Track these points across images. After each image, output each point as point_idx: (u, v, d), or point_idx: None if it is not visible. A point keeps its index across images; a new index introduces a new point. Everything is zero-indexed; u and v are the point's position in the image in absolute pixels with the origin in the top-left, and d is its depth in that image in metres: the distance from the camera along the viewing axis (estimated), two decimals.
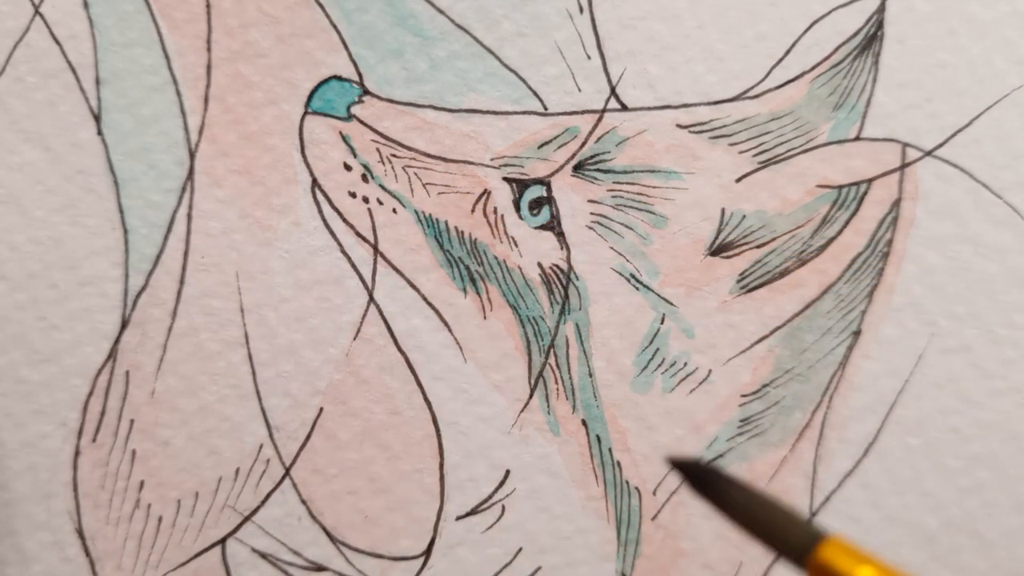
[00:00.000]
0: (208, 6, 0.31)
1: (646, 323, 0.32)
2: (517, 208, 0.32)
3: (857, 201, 0.33)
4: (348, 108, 0.31)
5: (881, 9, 0.32)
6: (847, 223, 0.33)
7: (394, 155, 0.31)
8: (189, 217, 0.31)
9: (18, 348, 0.30)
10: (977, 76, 0.33)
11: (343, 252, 0.31)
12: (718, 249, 0.32)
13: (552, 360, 0.32)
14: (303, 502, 0.31)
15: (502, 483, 0.32)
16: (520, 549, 0.32)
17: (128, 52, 0.30)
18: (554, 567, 0.32)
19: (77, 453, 0.30)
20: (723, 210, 0.32)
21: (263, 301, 0.31)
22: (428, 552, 0.32)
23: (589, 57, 0.32)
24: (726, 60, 0.32)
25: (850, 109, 0.32)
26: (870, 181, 0.33)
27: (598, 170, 0.32)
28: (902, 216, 0.33)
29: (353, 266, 0.31)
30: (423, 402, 0.32)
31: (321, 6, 0.31)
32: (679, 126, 0.32)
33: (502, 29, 0.32)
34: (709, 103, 0.32)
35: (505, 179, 0.32)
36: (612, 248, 0.32)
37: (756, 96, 0.32)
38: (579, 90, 0.32)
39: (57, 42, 0.30)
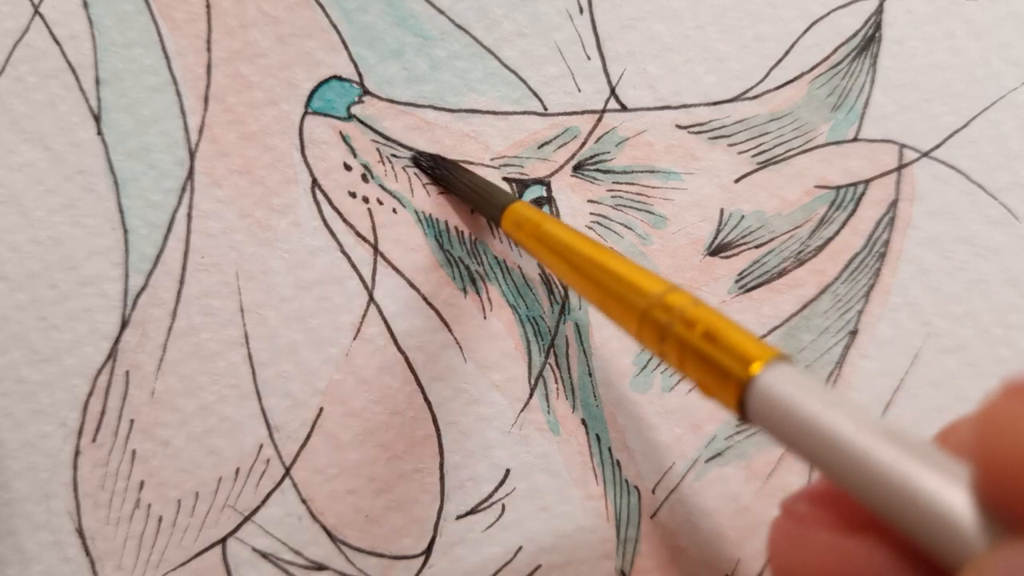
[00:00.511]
0: (208, 6, 0.31)
1: None
2: None
3: (855, 202, 0.33)
4: (348, 108, 0.31)
5: (879, 11, 0.33)
6: (845, 223, 0.33)
7: (394, 155, 0.31)
8: (189, 217, 0.31)
9: (18, 348, 0.30)
10: (974, 78, 0.33)
11: (343, 252, 0.31)
12: (717, 249, 0.33)
13: (552, 360, 0.32)
14: (303, 502, 0.31)
15: (502, 482, 0.32)
16: (520, 548, 0.32)
17: (128, 52, 0.30)
18: (554, 566, 0.32)
19: (77, 453, 0.30)
20: (722, 210, 0.32)
21: (263, 301, 0.31)
22: (428, 551, 0.32)
23: (589, 57, 0.32)
24: (726, 61, 0.32)
25: (848, 110, 0.33)
26: (868, 182, 0.33)
27: (598, 170, 0.32)
28: (899, 216, 0.33)
29: (353, 266, 0.31)
30: (423, 402, 0.32)
31: (321, 6, 0.31)
32: (678, 126, 0.32)
33: (502, 29, 0.32)
34: (708, 103, 0.32)
35: (505, 179, 0.32)
36: (612, 248, 0.32)
37: (755, 97, 0.32)
38: (579, 90, 0.32)
39: (57, 42, 0.30)
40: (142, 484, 0.31)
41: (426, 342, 0.32)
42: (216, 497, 0.31)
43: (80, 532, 0.31)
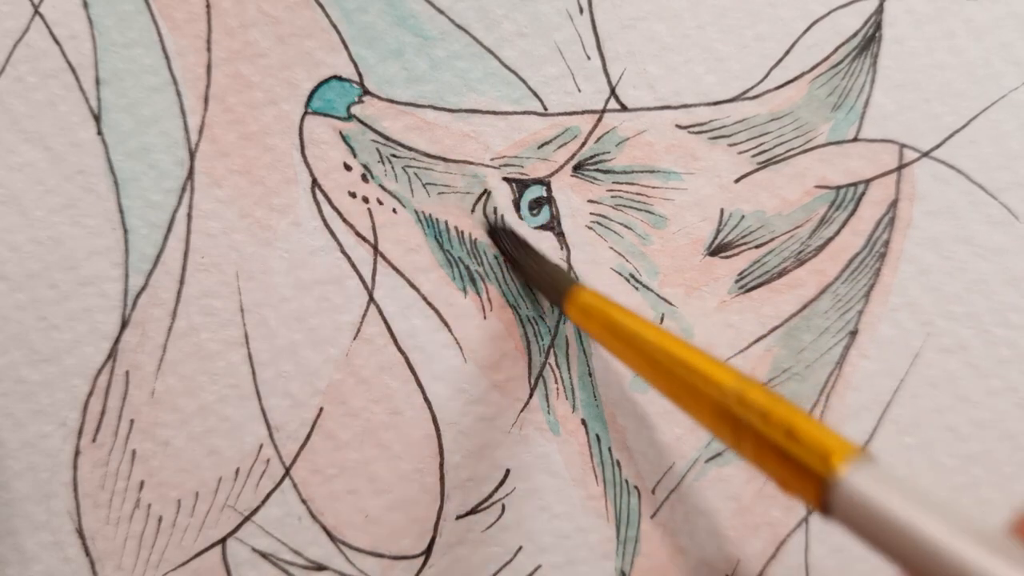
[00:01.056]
0: (208, 6, 0.31)
1: None
2: (517, 208, 0.32)
3: (855, 202, 0.33)
4: (348, 108, 0.31)
5: (879, 10, 0.32)
6: (845, 223, 0.33)
7: (394, 155, 0.31)
8: (189, 217, 0.31)
9: (18, 348, 0.30)
10: (974, 78, 0.33)
11: (343, 252, 0.31)
12: (717, 249, 0.33)
13: (552, 360, 0.32)
14: (303, 502, 0.31)
15: (502, 482, 0.32)
16: (520, 548, 0.32)
17: (128, 52, 0.30)
18: (554, 566, 0.32)
19: (77, 453, 0.30)
20: (722, 210, 0.32)
21: (263, 301, 0.31)
22: (428, 551, 0.32)
23: (589, 57, 0.32)
24: (726, 60, 0.32)
25: (848, 110, 0.33)
26: (868, 182, 0.33)
27: (598, 170, 0.32)
28: (899, 217, 0.33)
29: (353, 266, 0.31)
30: (423, 402, 0.32)
31: (321, 6, 0.31)
32: (679, 126, 0.32)
33: (502, 29, 0.32)
34: (709, 103, 0.32)
35: (505, 179, 0.32)
36: (612, 248, 0.32)
37: (755, 97, 0.32)
38: (579, 90, 0.32)
39: (57, 42, 0.30)
40: (142, 484, 0.31)
41: (426, 342, 0.32)
42: (216, 497, 0.31)
43: (80, 532, 0.31)
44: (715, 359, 0.23)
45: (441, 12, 0.31)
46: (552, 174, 0.32)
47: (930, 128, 0.33)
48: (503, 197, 0.32)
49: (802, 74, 0.32)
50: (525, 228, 0.32)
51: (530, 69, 0.32)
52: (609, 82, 0.32)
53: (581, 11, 0.32)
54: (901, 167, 0.33)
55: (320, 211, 0.31)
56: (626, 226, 0.32)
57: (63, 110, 0.30)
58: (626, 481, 0.32)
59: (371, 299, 0.31)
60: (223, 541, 0.31)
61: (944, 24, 0.33)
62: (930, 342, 0.33)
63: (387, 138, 0.31)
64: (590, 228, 0.32)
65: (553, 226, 0.32)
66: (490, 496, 0.32)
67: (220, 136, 0.31)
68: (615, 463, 0.32)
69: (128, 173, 0.30)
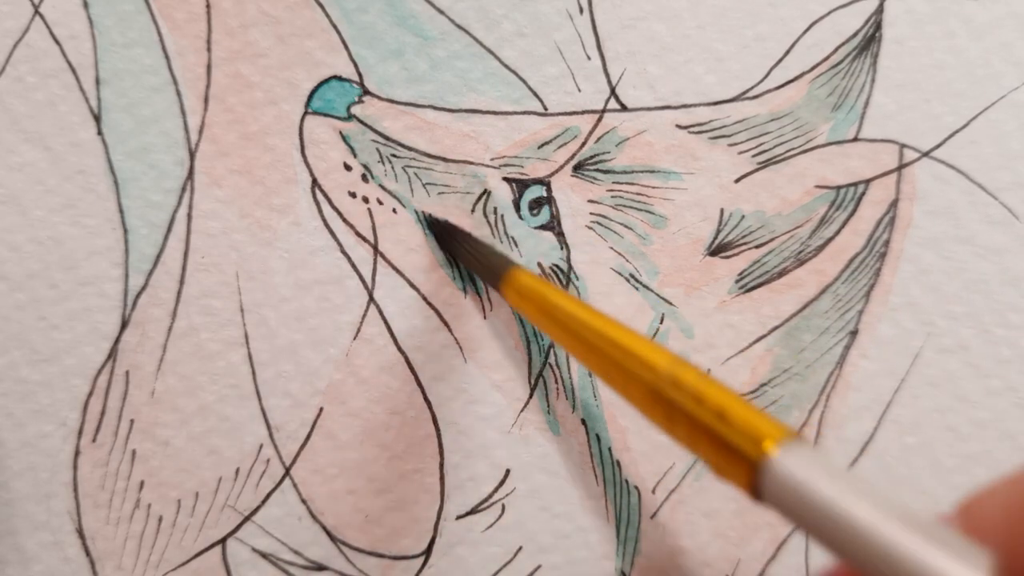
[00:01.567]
0: (208, 6, 0.31)
1: (645, 323, 0.32)
2: (517, 208, 0.32)
3: (855, 202, 0.33)
4: (348, 108, 0.31)
5: (879, 10, 0.32)
6: (845, 223, 0.33)
7: (394, 155, 0.31)
8: (189, 217, 0.31)
9: (18, 348, 0.30)
10: (975, 77, 0.33)
11: (343, 252, 0.31)
12: (717, 249, 0.33)
13: (552, 360, 0.32)
14: (303, 502, 0.31)
15: (502, 482, 0.32)
16: (520, 548, 0.32)
17: (128, 52, 0.30)
18: (554, 566, 0.32)
19: (77, 453, 0.30)
20: (722, 210, 0.32)
21: (263, 301, 0.31)
22: (428, 551, 0.32)
23: (589, 57, 0.32)
24: (726, 60, 0.32)
25: (849, 110, 0.33)
26: (868, 182, 0.33)
27: (598, 170, 0.32)
28: (899, 216, 0.33)
29: (353, 266, 0.31)
30: (423, 402, 0.32)
31: (321, 6, 0.31)
32: (679, 126, 0.32)
33: (502, 29, 0.32)
34: (709, 103, 0.32)
35: (505, 179, 0.32)
36: (612, 248, 0.32)
37: (755, 97, 0.32)
38: (579, 90, 0.32)
39: (57, 42, 0.30)
40: (142, 484, 0.31)
41: (426, 342, 0.32)
42: (216, 497, 0.31)
43: (80, 532, 0.31)
44: (649, 340, 0.23)
45: (441, 12, 0.31)
46: (552, 174, 0.32)
47: (930, 128, 0.33)
48: (503, 197, 0.32)
49: (802, 74, 0.32)
50: (524, 228, 0.32)
51: (530, 69, 0.32)
52: (609, 82, 0.32)
53: (581, 11, 0.32)
54: (901, 167, 0.33)
55: (320, 211, 0.31)
56: (626, 226, 0.32)
57: (63, 110, 0.30)
58: (626, 481, 0.32)
59: (371, 299, 0.31)
60: (223, 541, 0.31)
61: (944, 24, 0.33)
62: (930, 342, 0.33)
63: (387, 138, 0.31)
64: (590, 228, 0.32)
65: (553, 226, 0.32)
66: (490, 496, 0.32)
67: (220, 136, 0.31)
68: (615, 463, 0.32)
69: (128, 173, 0.30)
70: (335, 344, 0.31)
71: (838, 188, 0.33)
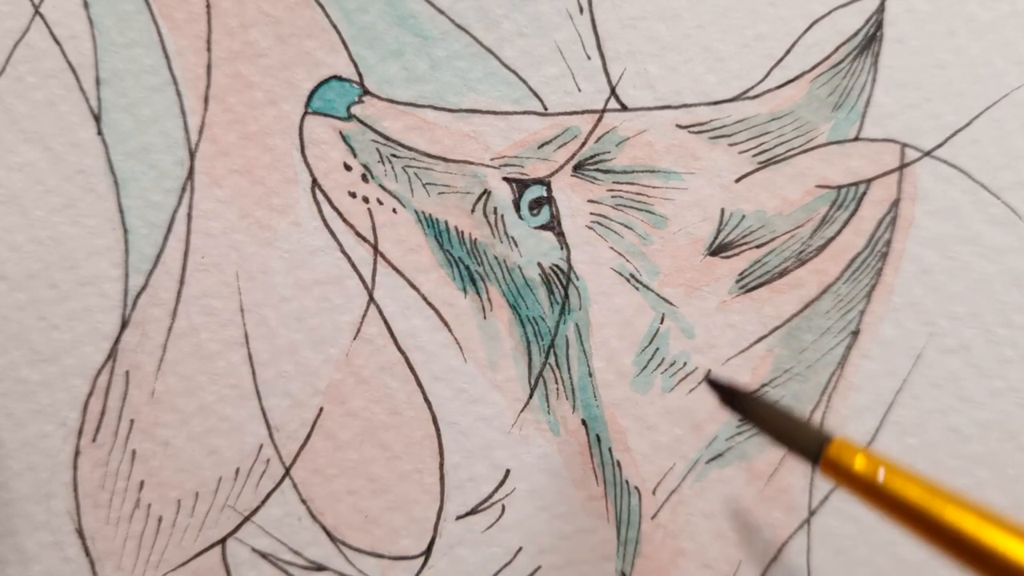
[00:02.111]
0: (208, 6, 0.31)
1: (646, 323, 0.32)
2: (517, 208, 0.32)
3: (856, 201, 0.33)
4: (348, 108, 0.31)
5: (880, 9, 0.32)
6: (846, 223, 0.33)
7: (394, 155, 0.31)
8: (189, 217, 0.31)
9: (18, 348, 0.30)
10: (976, 76, 0.33)
11: (343, 252, 0.31)
12: (717, 249, 0.32)
13: (552, 360, 0.32)
14: (303, 502, 0.31)
15: (502, 483, 0.32)
16: (520, 548, 0.32)
17: (128, 52, 0.30)
18: (554, 566, 0.32)
19: (77, 453, 0.30)
20: (723, 210, 0.32)
21: (263, 301, 0.31)
22: (428, 552, 0.32)
23: (589, 57, 0.32)
24: (726, 60, 0.32)
25: (849, 109, 0.33)
26: (869, 181, 0.33)
27: (598, 170, 0.32)
28: (901, 216, 0.33)
29: (353, 266, 0.31)
30: (423, 402, 0.32)
31: (321, 6, 0.31)
32: (679, 126, 0.32)
33: (502, 29, 0.32)
34: (709, 103, 0.32)
35: (505, 179, 0.32)
36: (612, 248, 0.32)
37: (756, 96, 0.32)
38: (579, 90, 0.32)
39: (57, 42, 0.30)
40: (142, 484, 0.31)
41: (426, 342, 0.32)
42: (216, 497, 0.31)
43: (80, 532, 0.31)
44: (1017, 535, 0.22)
45: (441, 12, 0.31)
46: (552, 174, 0.32)
47: (932, 127, 0.33)
48: (503, 197, 0.32)
49: (803, 74, 0.32)
50: (524, 228, 0.32)
51: (530, 69, 0.32)
52: (609, 82, 0.32)
53: (581, 11, 0.32)
54: (903, 166, 0.33)
55: (320, 211, 0.31)
56: (626, 226, 0.32)
57: (63, 110, 0.30)
58: (626, 482, 0.32)
59: (371, 299, 0.31)
60: (223, 541, 0.31)
61: (945, 23, 0.32)
62: (932, 342, 0.33)
63: (387, 138, 0.31)
64: (590, 228, 0.32)
65: (553, 226, 0.32)
66: (490, 496, 0.32)
67: (220, 136, 0.31)
68: (615, 463, 0.32)
69: (128, 173, 0.30)
70: (335, 344, 0.31)
71: (839, 188, 0.33)
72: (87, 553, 0.31)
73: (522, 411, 0.32)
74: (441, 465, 0.32)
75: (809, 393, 0.33)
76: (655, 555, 0.32)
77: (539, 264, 0.32)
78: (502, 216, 0.32)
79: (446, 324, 0.32)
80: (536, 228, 0.32)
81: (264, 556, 0.31)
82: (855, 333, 0.33)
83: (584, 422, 0.32)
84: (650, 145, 0.32)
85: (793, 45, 0.32)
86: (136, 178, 0.30)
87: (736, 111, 0.32)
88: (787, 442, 0.27)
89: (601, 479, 0.32)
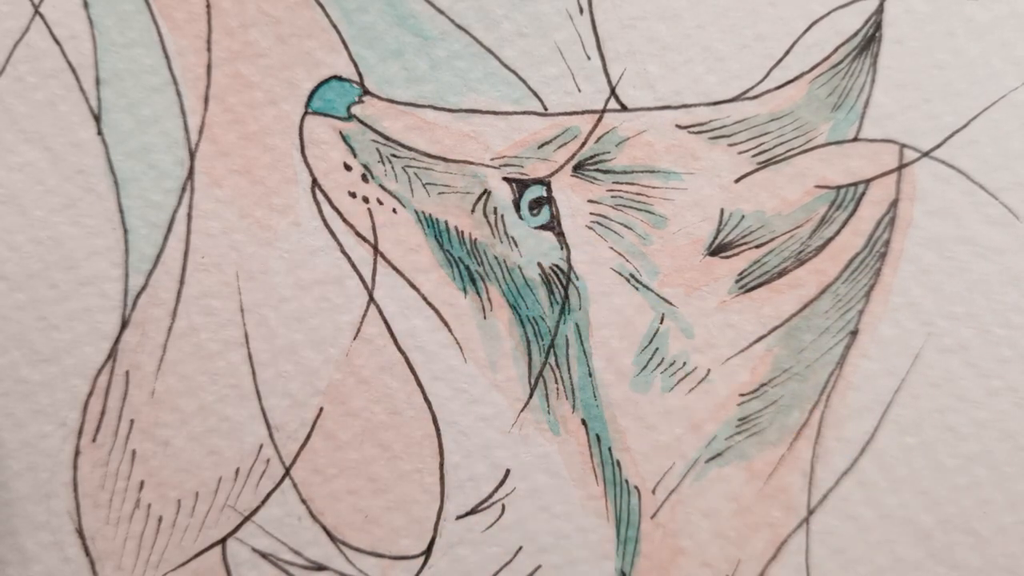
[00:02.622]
0: (208, 6, 0.31)
1: (646, 323, 0.32)
2: (517, 208, 0.32)
3: (855, 201, 0.33)
4: (348, 108, 0.31)
5: (880, 10, 0.32)
6: (845, 223, 0.33)
7: (394, 155, 0.31)
8: (189, 217, 0.31)
9: (18, 348, 0.30)
10: (975, 77, 0.33)
11: (343, 252, 0.31)
12: (717, 249, 0.33)
13: (552, 360, 0.32)
14: (303, 502, 0.31)
15: (502, 482, 0.32)
16: (520, 548, 0.32)
17: (128, 52, 0.30)
18: (554, 566, 0.32)
19: (77, 453, 0.30)
20: (722, 210, 0.32)
21: (263, 301, 0.31)
22: (428, 551, 0.32)
23: (589, 57, 0.32)
24: (726, 60, 0.32)
25: (849, 110, 0.33)
26: (868, 182, 0.33)
27: (598, 170, 0.32)
28: (900, 216, 0.33)
29: (353, 266, 0.31)
30: (423, 402, 0.32)
31: (321, 6, 0.31)
32: (679, 126, 0.32)
33: (502, 29, 0.32)
34: (709, 103, 0.32)
35: (505, 179, 0.32)
36: (612, 248, 0.32)
37: (755, 96, 0.32)
38: (579, 90, 0.32)
39: (57, 42, 0.30)
40: (142, 484, 0.31)
41: (426, 342, 0.32)
42: (216, 497, 0.31)
43: (80, 532, 0.31)
44: None
45: (441, 12, 0.31)
46: (552, 174, 0.32)
47: (930, 128, 0.33)
48: (503, 197, 0.32)
49: (802, 74, 0.32)
50: (524, 228, 0.32)
51: (530, 69, 0.32)
52: (609, 82, 0.32)
53: (581, 11, 0.32)
54: (901, 167, 0.33)
55: (320, 211, 0.31)
56: (626, 226, 0.32)
57: (63, 110, 0.30)
58: (626, 481, 0.32)
59: (371, 299, 0.31)
60: (223, 541, 0.31)
61: (944, 24, 0.33)
62: (931, 342, 0.33)
63: (387, 138, 0.31)
64: (590, 228, 0.32)
65: (553, 226, 0.32)
66: (490, 496, 0.32)
67: (220, 136, 0.31)
68: (615, 463, 0.32)
69: (128, 173, 0.30)
70: (335, 344, 0.31)
71: (838, 188, 0.33)
72: (87, 553, 0.31)
73: (522, 411, 0.32)
74: (441, 465, 0.32)
75: (808, 392, 0.33)
76: (655, 554, 0.32)
77: (539, 264, 0.32)
78: (502, 216, 0.32)
79: (446, 324, 0.32)
80: (536, 228, 0.32)
81: (264, 556, 0.31)
82: (854, 333, 0.33)
83: (584, 422, 0.32)
84: (650, 145, 0.32)
85: (793, 45, 0.32)
86: (136, 178, 0.30)
87: (736, 111, 0.32)
88: None
89: (601, 479, 0.32)
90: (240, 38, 0.31)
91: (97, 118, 0.30)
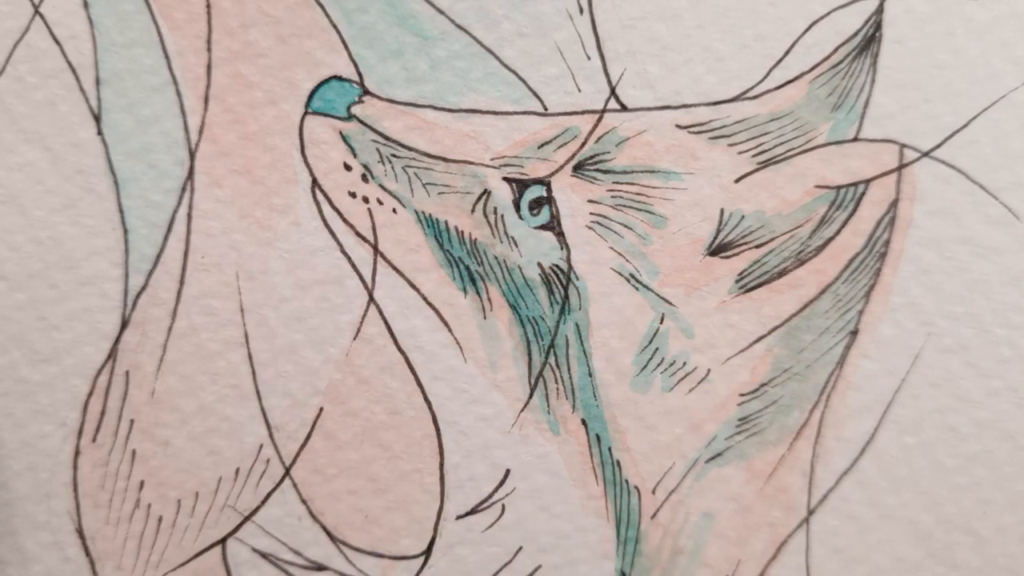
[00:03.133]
0: (208, 6, 0.31)
1: (645, 323, 0.32)
2: (517, 208, 0.32)
3: (855, 201, 0.33)
4: (348, 108, 0.31)
5: (880, 10, 0.32)
6: (845, 223, 0.33)
7: (394, 155, 0.31)
8: (189, 217, 0.31)
9: (18, 348, 0.30)
10: (975, 77, 0.33)
11: (343, 252, 0.31)
12: (717, 249, 0.33)
13: (552, 360, 0.32)
14: (303, 502, 0.31)
15: (502, 482, 0.32)
16: (520, 548, 0.32)
17: (128, 52, 0.30)
18: (554, 566, 0.32)
19: (77, 453, 0.30)
20: (722, 210, 0.32)
21: (263, 301, 0.31)
22: (428, 551, 0.32)
23: (589, 57, 0.32)
24: (726, 60, 0.32)
25: (849, 110, 0.33)
26: (868, 182, 0.33)
27: (598, 170, 0.32)
28: (900, 216, 0.33)
29: (353, 266, 0.31)
30: (423, 402, 0.32)
31: (321, 6, 0.31)
32: (679, 126, 0.32)
33: (502, 29, 0.32)
34: (709, 103, 0.32)
35: (505, 179, 0.32)
36: (612, 248, 0.32)
37: (755, 96, 0.32)
38: (579, 90, 0.32)
39: (57, 42, 0.30)
40: (142, 484, 0.31)
41: (426, 342, 0.32)
42: (216, 497, 0.31)
43: (80, 532, 0.31)
44: None
45: (441, 12, 0.31)
46: (552, 174, 0.32)
47: (930, 128, 0.33)
48: (503, 197, 0.32)
49: (802, 74, 0.32)
50: (524, 228, 0.32)
51: (530, 69, 0.32)
52: (609, 82, 0.32)
53: (581, 11, 0.32)
54: (901, 167, 0.33)
55: (320, 211, 0.31)
56: (626, 226, 0.32)
57: (63, 110, 0.30)
58: (626, 481, 0.32)
59: (371, 299, 0.31)
60: (223, 541, 0.31)
61: (944, 24, 0.33)
62: (931, 342, 0.33)
63: (387, 138, 0.31)
64: (590, 228, 0.32)
65: (553, 226, 0.32)
66: (490, 496, 0.32)
67: (220, 136, 0.31)
68: (615, 463, 0.32)
69: (128, 173, 0.30)
70: (335, 344, 0.31)
71: (838, 188, 0.33)
72: (87, 553, 0.31)
73: (522, 411, 0.32)
74: (441, 465, 0.32)
75: (808, 392, 0.33)
76: (655, 554, 0.32)
77: (539, 264, 0.32)
78: (502, 216, 0.32)
79: (446, 324, 0.32)
80: (536, 228, 0.32)
81: (264, 556, 0.31)
82: (854, 333, 0.33)
83: (584, 422, 0.32)
84: (650, 145, 0.32)
85: (793, 45, 0.32)
86: (136, 178, 0.30)
87: (736, 111, 0.32)
88: None
89: (601, 479, 0.32)
90: (240, 38, 0.31)
91: (97, 118, 0.30)
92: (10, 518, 0.30)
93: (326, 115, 0.31)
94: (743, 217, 0.32)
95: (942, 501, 0.33)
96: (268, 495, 0.31)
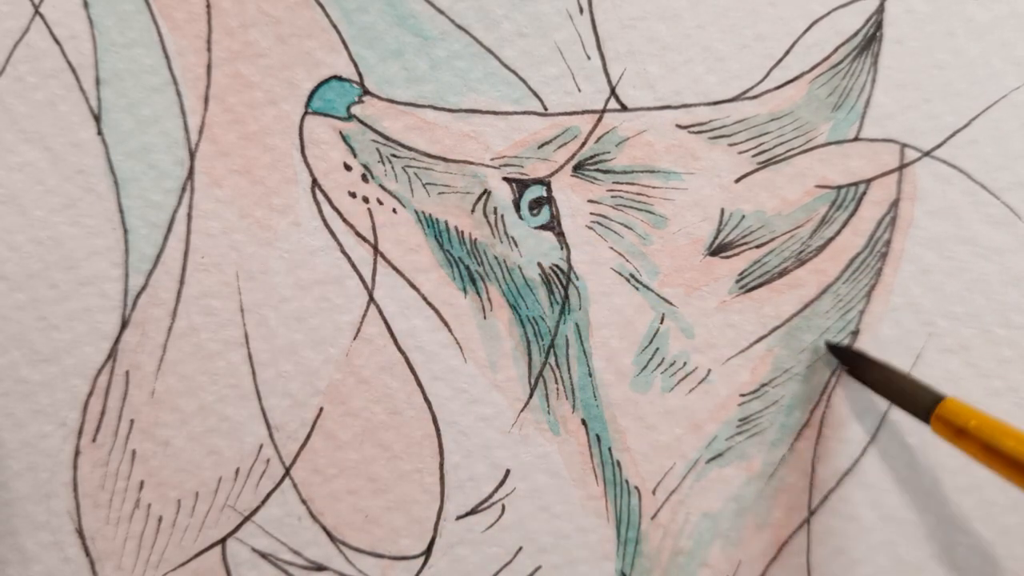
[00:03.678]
0: (208, 6, 0.31)
1: (646, 323, 0.32)
2: (517, 208, 0.32)
3: (856, 201, 0.33)
4: (348, 108, 0.31)
5: (880, 10, 0.32)
6: (846, 223, 0.33)
7: (394, 155, 0.31)
8: (189, 217, 0.31)
9: (18, 348, 0.30)
10: (975, 77, 0.33)
11: (343, 252, 0.31)
12: (717, 249, 0.32)
13: (552, 360, 0.32)
14: (303, 502, 0.31)
15: (502, 483, 0.32)
16: (520, 548, 0.32)
17: (128, 52, 0.30)
18: (554, 566, 0.32)
19: (77, 453, 0.30)
20: (722, 210, 0.32)
21: (263, 301, 0.31)
22: (428, 551, 0.32)
23: (589, 57, 0.32)
24: (726, 60, 0.32)
25: (849, 110, 0.33)
26: (868, 181, 0.33)
27: (598, 170, 0.32)
28: (900, 216, 0.33)
29: (353, 266, 0.31)
30: (423, 402, 0.32)
31: (321, 6, 0.31)
32: (679, 126, 0.32)
33: (502, 29, 0.32)
34: (709, 103, 0.32)
35: (505, 179, 0.32)
36: (612, 248, 0.32)
37: (756, 96, 0.32)
38: (579, 90, 0.32)
39: (57, 42, 0.30)
40: (142, 484, 0.31)
41: (426, 342, 0.32)
42: (216, 497, 0.31)
43: (80, 532, 0.31)
44: None
45: (441, 12, 0.31)
46: (552, 174, 0.32)
47: (931, 128, 0.33)
48: (503, 197, 0.32)
49: (802, 74, 0.32)
50: (524, 228, 0.32)
51: (530, 69, 0.32)
52: (609, 82, 0.32)
53: (581, 11, 0.32)
54: (902, 167, 0.33)
55: (320, 211, 0.31)
56: (626, 226, 0.32)
57: (63, 110, 0.30)
58: (626, 481, 0.32)
59: (371, 299, 0.31)
60: (223, 541, 0.31)
61: (945, 24, 0.33)
62: (931, 342, 0.33)
63: (387, 138, 0.31)
64: (590, 228, 0.32)
65: (553, 226, 0.32)
66: (490, 496, 0.32)
67: (220, 136, 0.31)
68: (615, 463, 0.32)
69: (128, 173, 0.30)
70: (335, 344, 0.31)
71: (839, 188, 0.33)
72: (87, 553, 0.31)
73: (522, 411, 0.32)
74: (441, 465, 0.32)
75: (809, 393, 0.33)
76: (655, 555, 0.32)
77: (539, 264, 0.32)
78: (502, 216, 0.32)
79: (446, 324, 0.32)
80: (536, 228, 0.32)
81: (264, 556, 0.31)
82: (855, 333, 0.33)
83: (584, 422, 0.32)
84: (650, 145, 0.32)
85: (793, 45, 0.32)
86: (136, 178, 0.30)
87: (736, 111, 0.32)
88: (901, 401, 0.30)
89: (601, 479, 0.32)
90: (240, 38, 0.31)
91: (97, 118, 0.30)
92: (10, 518, 0.30)
93: (326, 115, 0.31)
94: (743, 217, 0.32)
95: (942, 501, 0.33)
96: (268, 495, 0.31)
